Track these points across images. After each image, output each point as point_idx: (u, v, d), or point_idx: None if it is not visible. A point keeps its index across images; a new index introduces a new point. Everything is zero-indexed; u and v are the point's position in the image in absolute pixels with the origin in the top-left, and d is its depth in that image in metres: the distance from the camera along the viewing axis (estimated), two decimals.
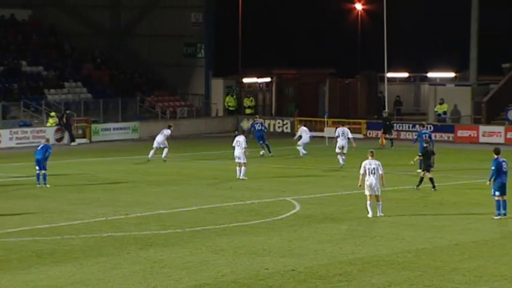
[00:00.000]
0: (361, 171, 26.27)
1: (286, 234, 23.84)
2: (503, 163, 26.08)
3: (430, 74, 69.33)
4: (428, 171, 31.63)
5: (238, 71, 63.69)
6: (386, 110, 54.38)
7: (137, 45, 63.04)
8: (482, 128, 51.75)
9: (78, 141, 51.61)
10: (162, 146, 41.49)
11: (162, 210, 27.71)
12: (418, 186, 31.83)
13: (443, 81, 63.41)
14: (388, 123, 49.47)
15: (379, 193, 26.21)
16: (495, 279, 19.14)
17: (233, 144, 35.17)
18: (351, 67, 68.89)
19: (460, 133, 52.40)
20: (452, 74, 67.99)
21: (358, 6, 73.79)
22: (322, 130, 53.03)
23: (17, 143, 49.38)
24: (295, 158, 43.05)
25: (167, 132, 42.03)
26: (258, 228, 24.75)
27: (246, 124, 58.11)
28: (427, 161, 31.67)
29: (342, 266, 20.28)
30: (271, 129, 57.57)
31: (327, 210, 27.70)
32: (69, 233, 23.97)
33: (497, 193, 26.01)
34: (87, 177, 36.03)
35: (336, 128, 40.67)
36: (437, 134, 50.84)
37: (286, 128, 57.48)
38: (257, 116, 50.38)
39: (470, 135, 52.05)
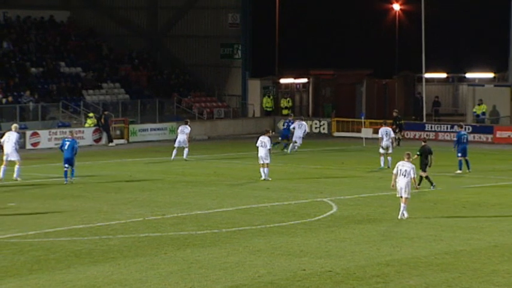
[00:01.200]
0: (394, 172, 26.19)
1: (323, 235, 23.77)
2: None
3: (468, 75, 68.81)
4: (424, 170, 31.51)
5: (275, 71, 63.66)
6: (396, 110, 54.20)
7: (174, 46, 63.28)
8: None
9: (116, 141, 51.88)
10: (184, 145, 41.54)
11: (199, 210, 27.75)
12: (418, 184, 31.50)
13: (481, 82, 62.91)
14: (398, 122, 49.14)
15: (407, 196, 25.93)
16: None
17: (257, 145, 35.08)
18: (389, 68, 68.57)
19: (499, 134, 51.94)
20: (491, 75, 67.42)
21: (396, 7, 73.41)
22: (359, 131, 52.82)
23: (56, 144, 49.66)
24: (333, 159, 42.88)
25: (187, 130, 42.08)
26: (295, 229, 24.69)
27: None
28: (423, 160, 31.54)
29: (380, 267, 20.17)
30: (308, 130, 57.44)
31: (364, 211, 27.57)
32: (107, 233, 24.09)
33: None
34: (124, 177, 36.19)
35: (379, 128, 40.37)
36: (476, 135, 50.48)
37: (323, 128, 57.34)
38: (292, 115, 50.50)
39: (509, 136, 51.58)
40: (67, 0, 64.16)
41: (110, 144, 51.49)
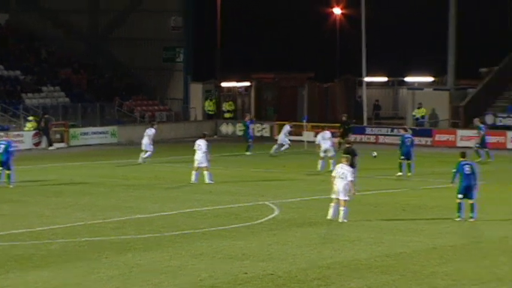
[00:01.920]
0: (333, 174, 26.34)
1: (265, 238, 23.83)
2: (466, 166, 26.36)
3: (408, 79, 69.63)
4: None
5: (217, 75, 63.68)
6: (345, 114, 54.61)
7: (116, 49, 62.90)
8: (460, 132, 52.00)
9: (56, 145, 51.38)
10: (147, 148, 41.35)
11: (140, 214, 27.61)
12: None
13: (421, 86, 63.70)
14: (346, 127, 49.41)
15: (346, 198, 26.12)
16: (473, 283, 19.22)
17: (194, 148, 35.07)
18: (330, 71, 69.07)
19: (438, 137, 52.63)
20: (430, 79, 68.33)
21: (337, 10, 73.98)
22: (301, 134, 53.07)
23: None
24: (275, 162, 43.04)
25: (151, 132, 41.87)
26: (237, 233, 24.72)
27: (225, 128, 58.08)
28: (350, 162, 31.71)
29: (321, 270, 20.29)
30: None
31: (306, 214, 27.70)
32: (48, 237, 23.84)
33: (460, 195, 26.23)
34: (65, 181, 35.86)
35: (317, 133, 40.55)
36: (416, 138, 50.99)
37: (266, 132, 57.48)
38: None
39: (448, 139, 52.30)
40: (5, 3, 63.34)
41: (50, 147, 50.97)
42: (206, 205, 29.27)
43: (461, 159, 26.69)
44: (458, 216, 26.37)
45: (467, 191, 26.26)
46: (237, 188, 33.62)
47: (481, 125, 44.48)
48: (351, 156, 31.83)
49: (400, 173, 36.79)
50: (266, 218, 26.92)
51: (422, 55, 68.09)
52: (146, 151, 41.52)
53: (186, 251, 22.23)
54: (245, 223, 26.10)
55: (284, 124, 47.71)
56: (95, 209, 28.51)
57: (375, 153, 29.31)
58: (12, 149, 33.94)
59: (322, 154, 38.55)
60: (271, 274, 19.84)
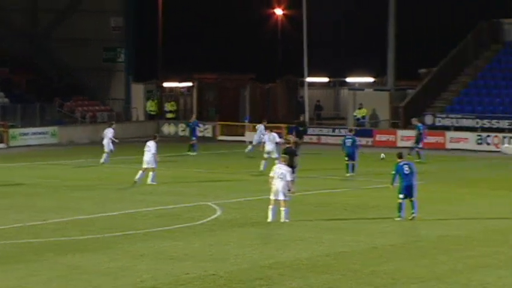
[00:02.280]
0: (271, 174, 26.35)
1: (207, 239, 23.83)
2: (405, 166, 26.64)
3: (349, 79, 70.17)
4: (292, 172, 31.95)
5: (158, 75, 63.46)
6: (304, 114, 54.85)
7: (56, 49, 62.27)
8: (400, 132, 52.56)
9: None
10: (108, 148, 41.06)
11: (81, 215, 27.41)
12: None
13: (362, 86, 64.24)
14: (301, 128, 49.71)
15: (285, 198, 26.22)
16: (412, 282, 19.45)
17: (144, 149, 34.95)
18: (272, 72, 69.32)
19: (378, 137, 53.13)
20: (371, 79, 68.95)
21: (278, 12, 74.26)
22: (243, 135, 53.17)
23: None
24: (218, 163, 43.04)
25: (109, 132, 41.59)
26: (179, 233, 24.67)
27: (167, 129, 57.87)
28: (289, 161, 31.85)
29: (263, 270, 20.35)
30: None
31: (248, 214, 27.75)
32: None
33: (401, 196, 26.53)
34: (4, 182, 35.40)
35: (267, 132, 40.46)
36: (356, 138, 51.42)
37: (208, 132, 57.46)
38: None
39: (388, 139, 52.82)
40: None
41: None
42: (148, 206, 29.16)
43: (399, 160, 26.99)
44: (399, 216, 26.68)
45: (408, 191, 26.58)
46: (179, 189, 33.56)
47: (419, 125, 45.01)
48: (291, 156, 32.06)
49: (348, 174, 37.00)
50: (208, 219, 26.92)
51: (363, 56, 68.73)
52: (106, 151, 41.19)
53: (127, 252, 22.13)
54: (187, 224, 26.07)
55: (257, 124, 46.84)
56: (34, 210, 28.22)
57: (383, 155, 29.33)
58: None
59: (265, 155, 38.67)
60: (213, 274, 19.85)
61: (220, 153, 48.53)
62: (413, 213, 26.58)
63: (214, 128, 57.41)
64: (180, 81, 64.30)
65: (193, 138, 46.85)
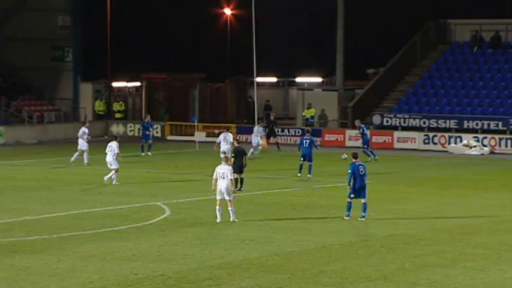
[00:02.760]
0: (214, 176, 26.23)
1: (156, 239, 23.76)
2: (360, 167, 26.82)
3: (298, 79, 70.41)
4: (241, 171, 32.13)
5: (107, 75, 63.05)
6: (273, 113, 55.07)
7: (2, 48, 61.50)
8: (349, 132, 52.88)
9: None
10: (83, 148, 40.67)
11: (28, 216, 27.15)
12: (240, 188, 32.08)
13: (311, 86, 64.49)
14: (272, 126, 50.10)
15: (230, 198, 26.22)
16: (360, 281, 19.59)
17: (106, 150, 34.76)
18: (221, 72, 69.31)
19: (327, 137, 53.41)
20: (319, 79, 69.26)
21: (227, 11, 74.25)
22: (192, 134, 53.09)
23: None
24: (166, 163, 42.91)
25: (83, 131, 41.18)
26: (127, 234, 24.57)
27: (115, 128, 57.58)
28: (239, 161, 32.10)
29: (212, 270, 20.36)
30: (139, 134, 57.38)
31: (197, 214, 27.73)
32: None
33: (352, 195, 26.70)
34: None
35: (219, 133, 40.45)
36: (314, 139, 51.66)
37: (157, 132, 57.25)
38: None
39: (337, 139, 53.13)
40: None
41: None
42: (95, 206, 28.99)
43: (354, 160, 27.12)
44: (347, 215, 26.84)
45: (360, 191, 26.73)
46: (128, 189, 33.40)
47: (362, 126, 45.32)
48: (240, 156, 32.17)
49: (299, 174, 37.07)
50: (157, 219, 26.84)
51: (312, 56, 69.01)
52: (83, 151, 40.80)
53: (74, 253, 21.98)
54: (136, 224, 25.96)
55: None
56: None
57: (345, 156, 29.43)
58: None
59: (221, 155, 38.60)
60: (162, 275, 19.81)
61: (169, 153, 48.39)
62: (363, 216, 26.73)
63: (163, 128, 57.21)
64: (129, 80, 63.96)
65: (148, 139, 46.24)
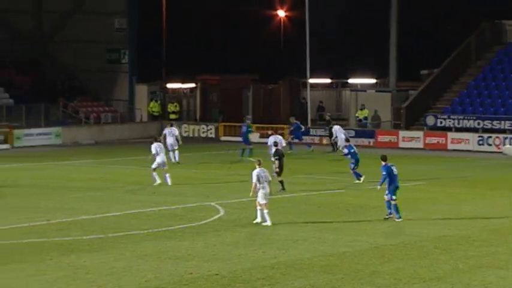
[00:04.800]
0: (254, 180, 26.01)
1: (210, 239, 24.00)
2: (393, 167, 26.87)
3: (351, 80, 70.28)
4: (280, 174, 32.21)
5: (162, 76, 63.64)
6: (329, 113, 55.23)
7: (60, 50, 62.44)
8: (402, 133, 52.71)
9: None
10: (175, 147, 41.32)
11: (85, 215, 27.59)
12: (283, 188, 32.26)
13: (364, 87, 64.36)
14: (328, 127, 50.42)
15: (266, 201, 26.12)
16: (414, 282, 19.61)
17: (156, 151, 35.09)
18: (274, 73, 69.48)
19: (380, 138, 53.28)
20: (373, 80, 69.06)
21: (281, 13, 74.40)
22: None
23: None
24: (220, 163, 43.21)
25: (175, 131, 41.85)
26: (182, 233, 24.84)
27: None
28: (281, 163, 32.24)
29: (265, 270, 20.51)
30: (196, 134, 57.83)
31: (250, 214, 27.89)
32: None
33: (394, 197, 26.75)
34: (8, 183, 35.61)
35: (269, 135, 40.52)
36: (359, 139, 51.66)
37: (211, 133, 57.66)
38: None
39: (390, 140, 52.96)
40: None
41: None
42: (151, 206, 29.35)
43: (384, 162, 27.16)
44: (399, 217, 26.83)
45: (395, 192, 26.84)
46: (182, 189, 33.72)
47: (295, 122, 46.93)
48: (281, 158, 32.44)
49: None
50: (211, 219, 27.09)
51: (365, 57, 68.82)
52: (175, 150, 41.52)
53: (130, 252, 22.30)
54: (190, 224, 26.24)
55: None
56: (38, 211, 28.39)
57: (312, 147, 29.37)
58: None
59: (272, 159, 38.75)
60: (216, 274, 20.02)
61: (223, 153, 48.68)
62: (400, 217, 26.75)
63: (217, 129, 57.60)
64: (183, 82, 64.47)
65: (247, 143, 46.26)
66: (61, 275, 19.88)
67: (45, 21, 63.48)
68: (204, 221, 26.64)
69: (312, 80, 59.81)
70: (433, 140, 51.45)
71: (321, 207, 29.62)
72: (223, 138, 56.65)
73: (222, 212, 28.27)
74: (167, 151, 40.82)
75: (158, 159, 34.52)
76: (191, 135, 57.30)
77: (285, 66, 71.80)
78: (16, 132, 52.48)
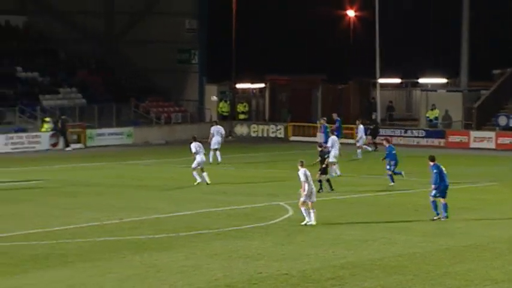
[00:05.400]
0: (303, 179, 25.99)
1: (280, 239, 24.08)
2: (442, 167, 26.80)
3: (421, 80, 69.72)
4: (326, 173, 32.09)
5: (231, 76, 63.99)
6: (376, 113, 54.85)
7: (131, 51, 63.24)
8: (473, 134, 52.13)
9: (72, 146, 51.82)
10: (218, 146, 41.89)
11: (156, 214, 27.91)
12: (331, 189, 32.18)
13: (434, 87, 63.79)
14: (375, 126, 50.14)
15: (315, 200, 26.16)
16: (486, 284, 19.40)
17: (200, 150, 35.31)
18: (343, 73, 69.26)
19: (451, 138, 52.76)
20: (443, 80, 68.39)
21: (350, 13, 74.11)
22: (314, 135, 53.34)
23: (12, 148, 49.63)
24: (289, 163, 43.25)
25: (222, 130, 42.28)
26: (251, 233, 24.97)
27: (240, 130, 58.24)
28: (322, 163, 32.11)
29: (335, 270, 20.51)
30: (265, 134, 58.01)
31: (319, 214, 27.86)
32: (64, 237, 24.13)
33: (438, 195, 26.68)
34: (81, 182, 36.20)
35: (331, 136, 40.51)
36: (429, 140, 51.26)
37: (280, 133, 57.78)
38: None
39: (461, 140, 52.42)
40: (23, 5, 63.79)
41: (67, 148, 51.42)
42: (221, 205, 29.55)
43: (433, 162, 26.97)
44: (438, 214, 26.61)
45: (444, 191, 26.71)
46: (251, 189, 33.88)
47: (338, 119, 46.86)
48: (323, 158, 32.49)
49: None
50: (280, 218, 27.17)
51: (436, 57, 68.17)
52: (217, 149, 42.03)
53: (201, 250, 22.49)
54: (260, 223, 26.35)
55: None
56: (110, 209, 28.81)
57: (371, 149, 29.16)
58: None
59: (333, 159, 38.68)
60: (286, 274, 20.07)
61: (291, 153, 48.73)
62: (447, 216, 26.50)
63: (286, 129, 57.67)
64: (252, 82, 64.70)
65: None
66: (133, 273, 20.15)
67: (117, 21, 64.36)
68: (273, 221, 26.73)
69: (381, 80, 59.51)
70: (506, 140, 50.75)
71: (389, 208, 29.46)
72: (292, 138, 56.70)
73: (290, 212, 28.32)
74: (212, 150, 41.23)
75: (198, 159, 34.85)
76: (260, 135, 57.48)
77: (353, 66, 71.51)
78: (89, 132, 53.33)
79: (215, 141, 42.20)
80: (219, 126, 43.08)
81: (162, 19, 62.26)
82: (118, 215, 27.70)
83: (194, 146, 35.04)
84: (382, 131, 53.93)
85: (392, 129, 55.34)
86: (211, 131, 42.97)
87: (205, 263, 21.07)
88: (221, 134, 42.55)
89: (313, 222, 25.90)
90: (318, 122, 52.42)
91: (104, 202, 30.71)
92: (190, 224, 26.32)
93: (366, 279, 19.62)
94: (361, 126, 46.78)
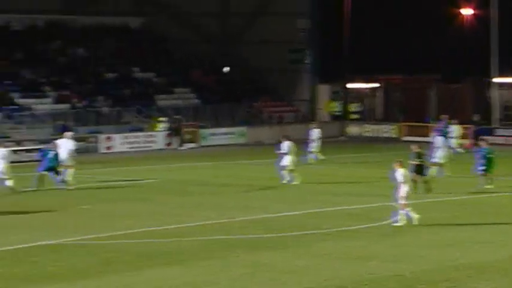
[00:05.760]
0: (403, 180, 25.79)
1: (391, 240, 23.87)
2: None
3: None
4: (422, 173, 31.65)
5: (344, 76, 63.75)
6: (478, 114, 53.83)
7: (244, 51, 63.76)
8: None
9: (186, 145, 52.64)
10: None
11: (266, 214, 28.05)
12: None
13: None
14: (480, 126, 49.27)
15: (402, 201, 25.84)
16: None
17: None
18: (458, 72, 68.06)
19: None
20: None
21: (465, 11, 72.77)
22: (427, 135, 52.59)
23: (129, 148, 50.77)
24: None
25: (317, 132, 43.10)
26: (362, 233, 24.84)
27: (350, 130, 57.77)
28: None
29: (448, 271, 20.20)
30: (377, 134, 57.60)
31: (430, 215, 27.53)
32: (178, 235, 24.52)
33: None
34: (194, 181, 36.71)
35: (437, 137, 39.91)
36: None
37: (393, 133, 57.26)
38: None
39: None
40: (140, 7, 65.15)
41: (181, 148, 52.26)
42: (330, 206, 29.47)
43: None
44: None
45: None
46: (360, 189, 33.69)
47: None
48: (421, 159, 31.95)
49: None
50: (391, 219, 26.92)
51: None
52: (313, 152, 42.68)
53: (311, 251, 22.48)
54: (370, 224, 26.18)
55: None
56: (223, 208, 29.13)
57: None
58: (51, 155, 33.24)
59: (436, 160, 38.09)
60: (398, 275, 19.87)
61: (404, 153, 48.16)
62: None
63: (400, 129, 57.12)
64: (364, 82, 64.32)
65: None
66: (244, 272, 20.30)
67: (232, 22, 64.98)
68: (384, 222, 26.51)
69: (498, 80, 58.25)
70: None
71: (502, 209, 28.82)
72: (405, 138, 56.11)
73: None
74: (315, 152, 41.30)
75: (287, 159, 34.76)
76: (372, 135, 57.09)
77: (468, 65, 70.18)
78: (202, 131, 54.06)
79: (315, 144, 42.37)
80: (318, 130, 43.13)
81: (275, 19, 62.55)
82: (229, 214, 27.96)
83: (287, 146, 35.24)
84: (498, 131, 52.83)
85: (509, 130, 54.07)
86: (311, 133, 43.10)
87: (315, 263, 21.07)
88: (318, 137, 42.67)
89: (415, 221, 25.62)
90: (430, 121, 51.74)
91: (216, 201, 31.07)
92: (300, 223, 26.35)
93: (480, 281, 19.28)
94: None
